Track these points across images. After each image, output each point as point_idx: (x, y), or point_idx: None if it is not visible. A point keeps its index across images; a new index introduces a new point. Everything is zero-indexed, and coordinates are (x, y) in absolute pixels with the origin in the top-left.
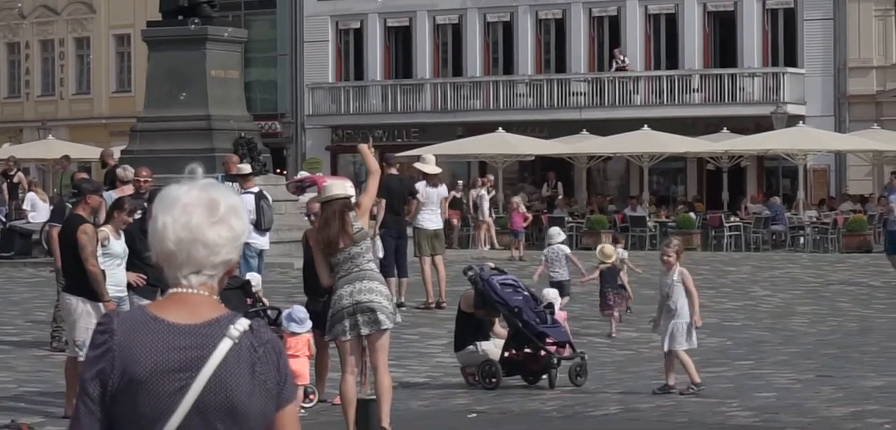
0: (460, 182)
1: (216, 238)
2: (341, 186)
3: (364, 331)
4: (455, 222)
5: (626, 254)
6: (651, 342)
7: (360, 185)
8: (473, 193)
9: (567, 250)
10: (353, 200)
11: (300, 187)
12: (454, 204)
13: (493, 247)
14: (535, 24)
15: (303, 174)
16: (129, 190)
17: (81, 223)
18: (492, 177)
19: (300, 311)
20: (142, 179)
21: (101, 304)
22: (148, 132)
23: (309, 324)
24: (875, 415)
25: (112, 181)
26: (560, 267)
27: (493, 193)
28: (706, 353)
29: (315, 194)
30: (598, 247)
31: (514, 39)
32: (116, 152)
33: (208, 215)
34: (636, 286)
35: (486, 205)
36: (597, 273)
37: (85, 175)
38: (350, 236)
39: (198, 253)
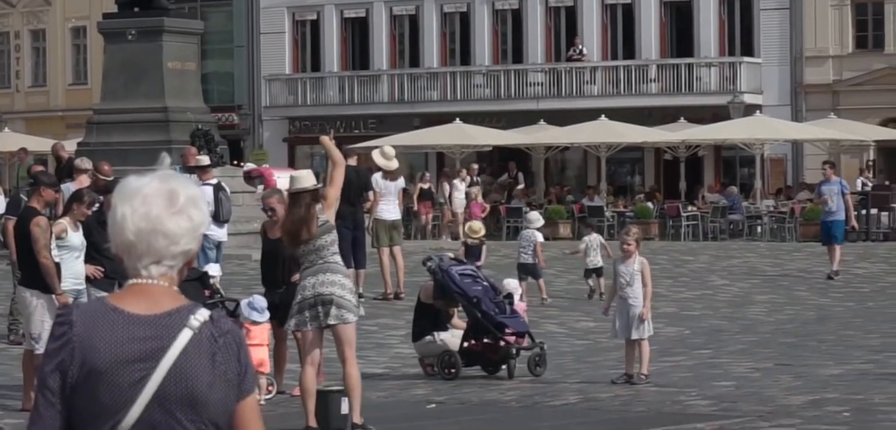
0: (427, 174)
1: (176, 228)
2: (308, 178)
3: (325, 323)
4: (424, 214)
5: (600, 238)
6: (608, 331)
7: (317, 176)
8: (449, 183)
9: (540, 237)
10: (319, 192)
11: (249, 178)
12: (424, 195)
13: (455, 238)
14: (492, 14)
15: (249, 166)
16: (86, 182)
17: (35, 216)
18: (476, 166)
19: (260, 300)
20: (101, 175)
21: (54, 297)
22: (104, 124)
23: (268, 314)
24: (834, 403)
25: (69, 173)
26: (528, 252)
27: (473, 185)
28: (664, 342)
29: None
30: (467, 223)
31: (471, 30)
32: (73, 145)
33: (168, 205)
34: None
35: (459, 195)
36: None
37: (42, 168)
38: (314, 228)
39: (158, 243)
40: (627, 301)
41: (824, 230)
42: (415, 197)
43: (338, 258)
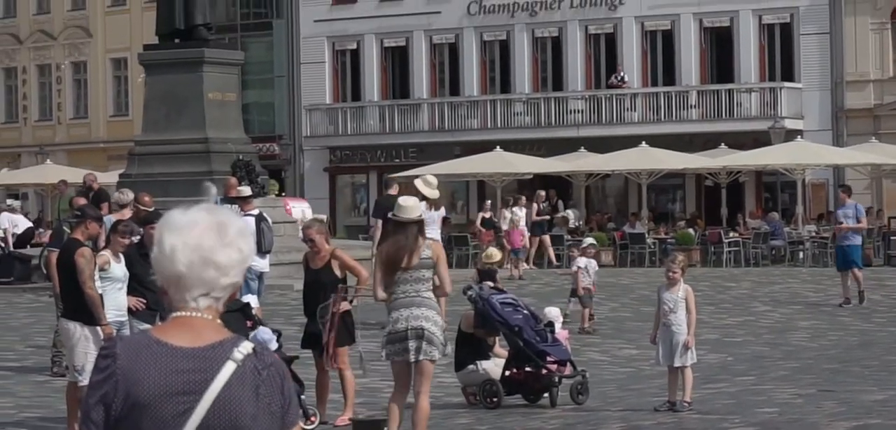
0: (488, 202)
1: (226, 260)
2: (415, 209)
3: (413, 358)
4: (486, 242)
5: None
6: (651, 359)
7: (357, 207)
8: (509, 211)
9: (595, 264)
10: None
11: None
12: (487, 224)
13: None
14: (532, 42)
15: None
16: (127, 214)
17: (79, 247)
18: (543, 193)
19: (265, 332)
20: (142, 206)
21: (98, 328)
22: (146, 156)
23: (275, 345)
24: (877, 429)
25: (97, 203)
26: (591, 278)
27: (532, 206)
28: (707, 369)
29: (312, 218)
30: (485, 250)
31: (510, 58)
32: (113, 176)
33: (219, 237)
34: (635, 302)
35: (522, 223)
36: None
37: (85, 201)
38: (416, 259)
39: (208, 275)
40: (671, 328)
41: (841, 256)
42: (478, 224)
43: (431, 295)
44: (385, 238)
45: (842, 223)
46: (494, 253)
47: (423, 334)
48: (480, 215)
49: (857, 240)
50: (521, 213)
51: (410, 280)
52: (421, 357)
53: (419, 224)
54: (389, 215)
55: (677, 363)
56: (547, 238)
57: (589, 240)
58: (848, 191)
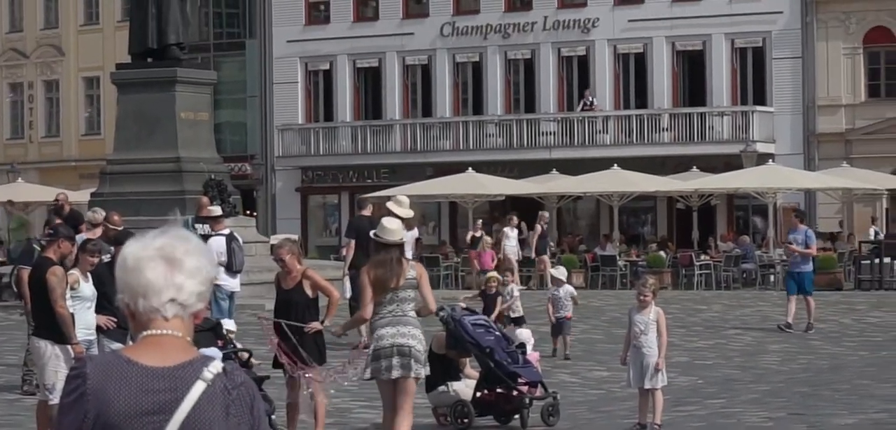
0: (479, 222)
1: (193, 264)
2: (398, 231)
3: (396, 374)
4: (474, 260)
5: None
6: (622, 381)
7: (329, 227)
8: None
9: (573, 290)
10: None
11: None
12: (476, 243)
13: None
14: (505, 64)
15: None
16: (98, 233)
17: (51, 266)
18: (546, 214)
19: (211, 351)
20: (111, 225)
21: (69, 347)
22: (118, 174)
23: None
24: None
25: (74, 224)
26: (567, 307)
27: (535, 228)
28: (677, 392)
29: (283, 238)
30: (486, 273)
31: (483, 80)
32: (85, 195)
33: (183, 244)
34: (606, 325)
35: (510, 243)
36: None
37: (60, 221)
38: (403, 280)
39: (176, 278)
40: (641, 350)
41: (791, 282)
42: (468, 245)
43: (414, 315)
44: (365, 259)
45: (794, 249)
46: (495, 278)
47: (410, 351)
48: (471, 234)
49: (809, 267)
50: (512, 234)
51: (396, 300)
52: (406, 374)
53: (401, 246)
54: (372, 234)
55: (647, 385)
56: (546, 258)
57: (554, 272)
58: (801, 216)
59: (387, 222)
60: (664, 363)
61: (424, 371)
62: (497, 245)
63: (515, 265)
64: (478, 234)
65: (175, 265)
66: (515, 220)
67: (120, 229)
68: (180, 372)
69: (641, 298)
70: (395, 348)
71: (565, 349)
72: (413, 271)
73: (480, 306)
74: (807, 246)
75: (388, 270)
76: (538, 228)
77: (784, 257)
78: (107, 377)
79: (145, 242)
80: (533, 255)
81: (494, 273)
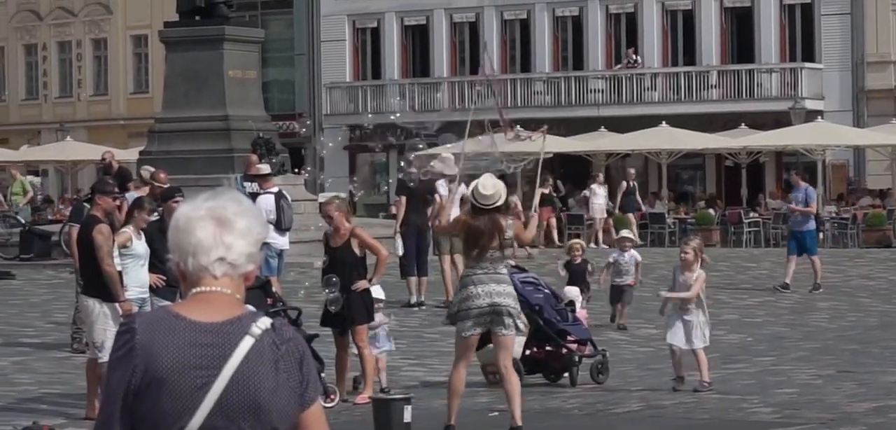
0: (549, 179)
1: (243, 225)
2: (498, 194)
3: (500, 332)
4: (545, 219)
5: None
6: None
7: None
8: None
9: (638, 256)
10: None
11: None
12: (546, 201)
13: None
14: (553, 21)
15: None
16: (146, 191)
17: (97, 224)
18: (633, 170)
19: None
20: (157, 183)
21: (117, 305)
22: (166, 133)
23: None
24: None
25: (121, 182)
26: (631, 273)
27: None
28: (727, 349)
29: (332, 196)
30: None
31: (531, 37)
32: (135, 153)
33: (235, 205)
34: (655, 283)
35: (599, 201)
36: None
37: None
38: (500, 240)
39: (226, 238)
40: (681, 309)
41: (794, 241)
42: (536, 202)
43: (506, 271)
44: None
45: (795, 207)
46: (577, 245)
47: (510, 310)
48: (539, 190)
49: (812, 225)
50: (601, 191)
51: (489, 259)
52: (506, 332)
53: (498, 207)
54: (471, 197)
55: (697, 345)
56: (632, 217)
57: (624, 233)
58: (801, 175)
59: (487, 182)
60: (676, 297)
61: (524, 328)
62: (584, 203)
63: (599, 225)
64: (547, 190)
65: (225, 225)
66: (601, 177)
67: (166, 186)
68: (228, 327)
69: (683, 256)
70: (494, 306)
71: (620, 319)
72: (510, 231)
73: (566, 279)
74: (807, 204)
75: (485, 229)
76: (625, 185)
77: (786, 214)
78: (155, 332)
79: (197, 203)
80: (616, 211)
81: (578, 240)
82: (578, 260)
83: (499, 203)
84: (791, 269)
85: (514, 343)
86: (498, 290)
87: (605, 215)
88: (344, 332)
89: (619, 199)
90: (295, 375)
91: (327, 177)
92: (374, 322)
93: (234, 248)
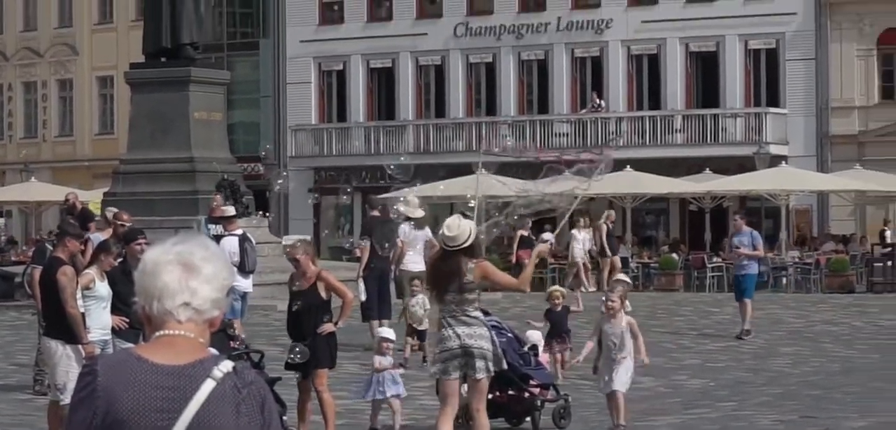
0: (528, 221)
1: (210, 270)
2: (463, 234)
3: (474, 375)
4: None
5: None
6: (633, 384)
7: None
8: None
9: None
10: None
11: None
12: (524, 243)
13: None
14: (518, 65)
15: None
16: (109, 232)
17: (61, 265)
18: (613, 212)
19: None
20: (119, 223)
21: (80, 346)
22: (131, 174)
23: None
24: None
25: (83, 223)
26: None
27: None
28: (689, 394)
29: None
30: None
31: (496, 80)
32: (99, 194)
33: (202, 250)
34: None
35: (578, 245)
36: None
37: (72, 220)
38: (465, 282)
39: (191, 283)
40: (611, 358)
41: (736, 284)
42: (515, 245)
43: (479, 313)
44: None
45: (740, 252)
46: (556, 293)
47: (482, 353)
48: (519, 233)
49: (754, 269)
50: (580, 236)
51: (458, 301)
52: (479, 375)
53: (465, 249)
54: (439, 239)
55: (621, 388)
56: (616, 260)
57: (619, 276)
58: (744, 219)
59: (450, 223)
60: (648, 359)
61: (495, 369)
62: (565, 247)
63: (582, 269)
64: (526, 233)
65: (191, 270)
66: (582, 221)
67: (128, 226)
68: (190, 370)
69: (608, 305)
70: (465, 349)
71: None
72: (471, 274)
73: (546, 330)
74: (754, 248)
75: (448, 272)
76: (604, 227)
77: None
78: (117, 374)
79: (166, 247)
80: (609, 253)
81: (558, 287)
82: (559, 308)
83: (464, 244)
84: (747, 312)
85: (487, 387)
86: (468, 332)
87: (587, 260)
88: (307, 376)
89: (604, 241)
90: (256, 418)
91: (292, 218)
92: (377, 365)
93: (199, 293)
